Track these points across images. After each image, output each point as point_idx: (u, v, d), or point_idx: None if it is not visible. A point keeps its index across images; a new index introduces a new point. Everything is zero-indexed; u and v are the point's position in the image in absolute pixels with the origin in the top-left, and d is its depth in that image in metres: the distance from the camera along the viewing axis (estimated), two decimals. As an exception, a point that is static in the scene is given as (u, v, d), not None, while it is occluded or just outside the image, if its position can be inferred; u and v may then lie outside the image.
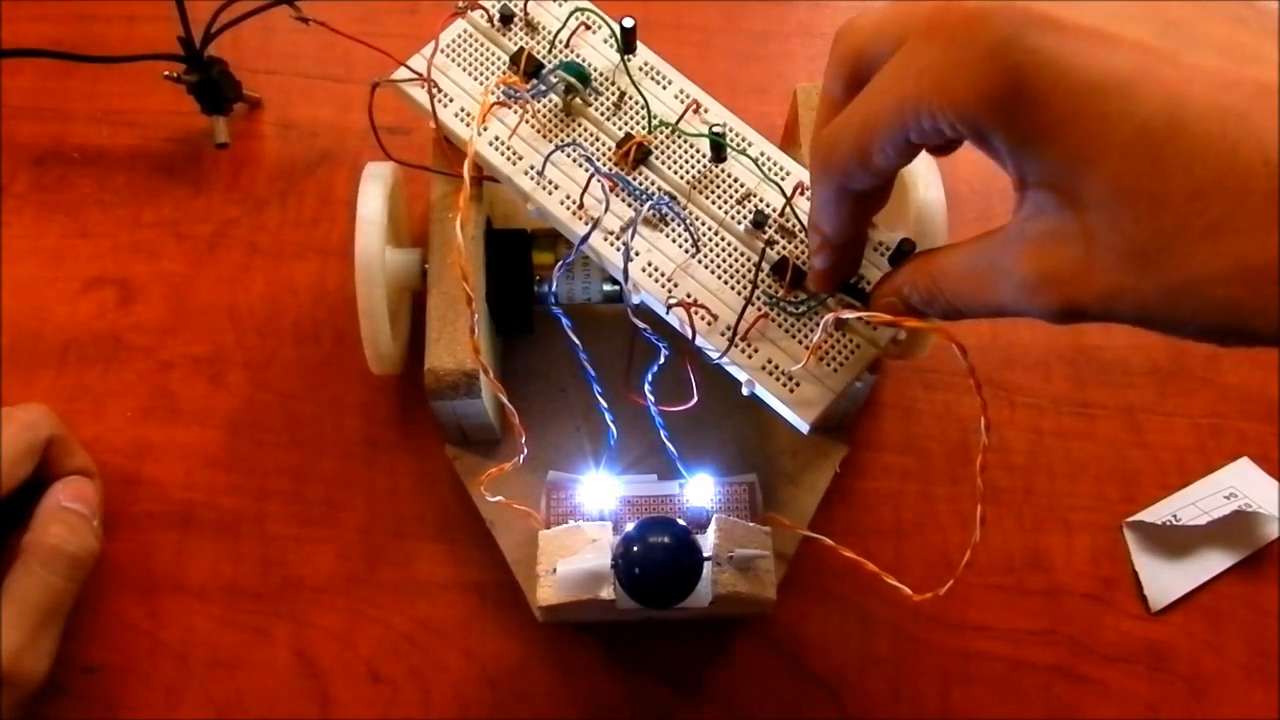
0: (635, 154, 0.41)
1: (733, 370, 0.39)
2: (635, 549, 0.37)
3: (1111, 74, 0.23)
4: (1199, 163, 0.22)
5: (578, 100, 0.42)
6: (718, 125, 0.41)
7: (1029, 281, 0.27)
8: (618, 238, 0.40)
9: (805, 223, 0.40)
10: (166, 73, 0.51)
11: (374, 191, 0.41)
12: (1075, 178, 0.25)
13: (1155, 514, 0.47)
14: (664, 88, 0.43)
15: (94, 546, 0.41)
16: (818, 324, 0.39)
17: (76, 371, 0.49)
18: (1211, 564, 0.46)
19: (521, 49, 0.43)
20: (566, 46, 0.43)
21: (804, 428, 0.39)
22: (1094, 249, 0.25)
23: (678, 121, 0.42)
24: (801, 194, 0.41)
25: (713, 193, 0.41)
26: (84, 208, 0.52)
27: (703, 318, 0.39)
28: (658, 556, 0.37)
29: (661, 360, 0.38)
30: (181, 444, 0.48)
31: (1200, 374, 0.50)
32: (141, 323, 0.50)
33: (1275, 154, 0.21)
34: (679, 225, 0.40)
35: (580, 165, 0.41)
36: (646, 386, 0.38)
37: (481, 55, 0.43)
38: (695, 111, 0.42)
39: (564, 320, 0.37)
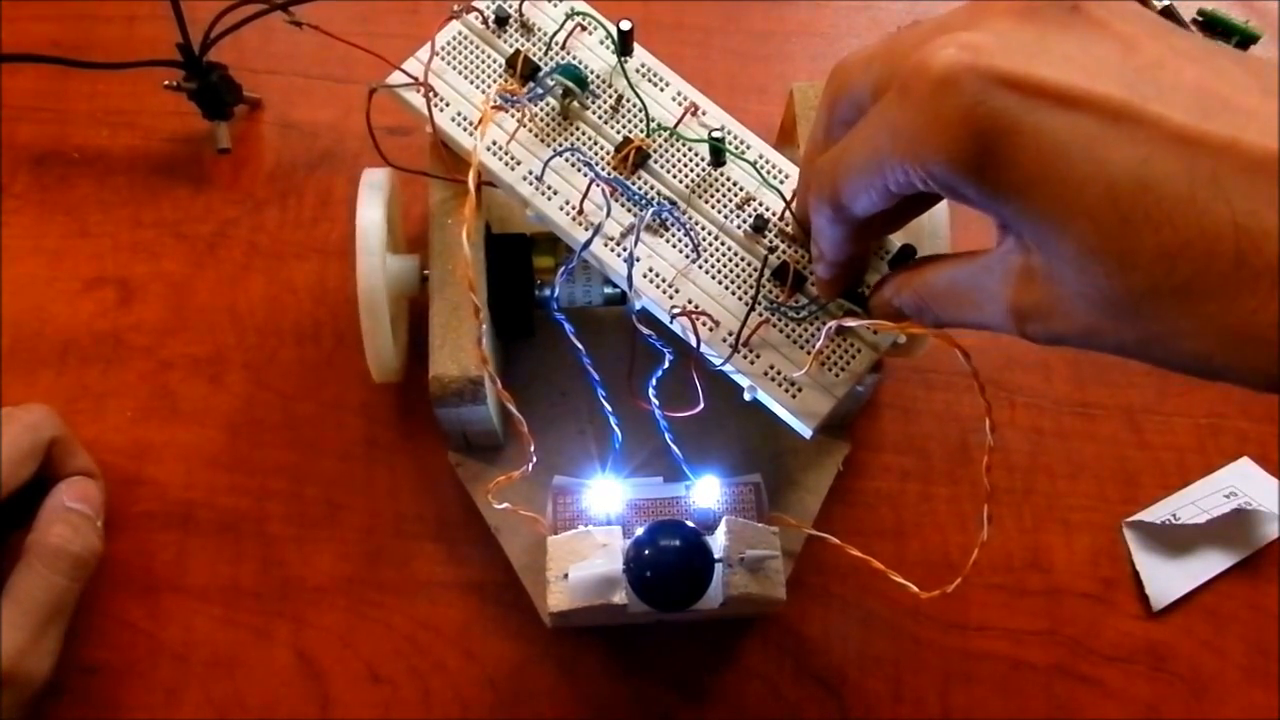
0: (634, 158, 0.41)
1: (735, 377, 0.39)
2: (647, 552, 0.37)
3: (1077, 135, 0.23)
4: (1166, 225, 0.22)
5: (575, 104, 0.42)
6: (716, 129, 0.41)
7: (1011, 310, 0.28)
8: (618, 244, 0.40)
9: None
10: (166, 82, 0.51)
11: (373, 201, 0.41)
12: (1047, 234, 0.25)
13: (1155, 513, 0.47)
14: (661, 90, 0.43)
15: (97, 546, 0.41)
16: (820, 329, 0.39)
17: (76, 371, 0.49)
18: (1212, 563, 0.47)
19: (518, 51, 0.43)
20: (563, 49, 0.43)
21: (807, 433, 0.39)
22: (1069, 293, 0.25)
23: (676, 125, 0.42)
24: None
25: (712, 197, 0.41)
26: (84, 208, 0.52)
27: (705, 324, 0.39)
28: (670, 559, 0.37)
29: (665, 366, 0.38)
30: (181, 444, 0.48)
31: (1201, 375, 0.50)
32: (141, 323, 0.50)
33: (1243, 217, 0.21)
34: (679, 231, 0.40)
35: (579, 170, 0.41)
36: (651, 391, 0.38)
37: (477, 58, 0.43)
38: (693, 114, 0.42)
39: (566, 326, 0.37)
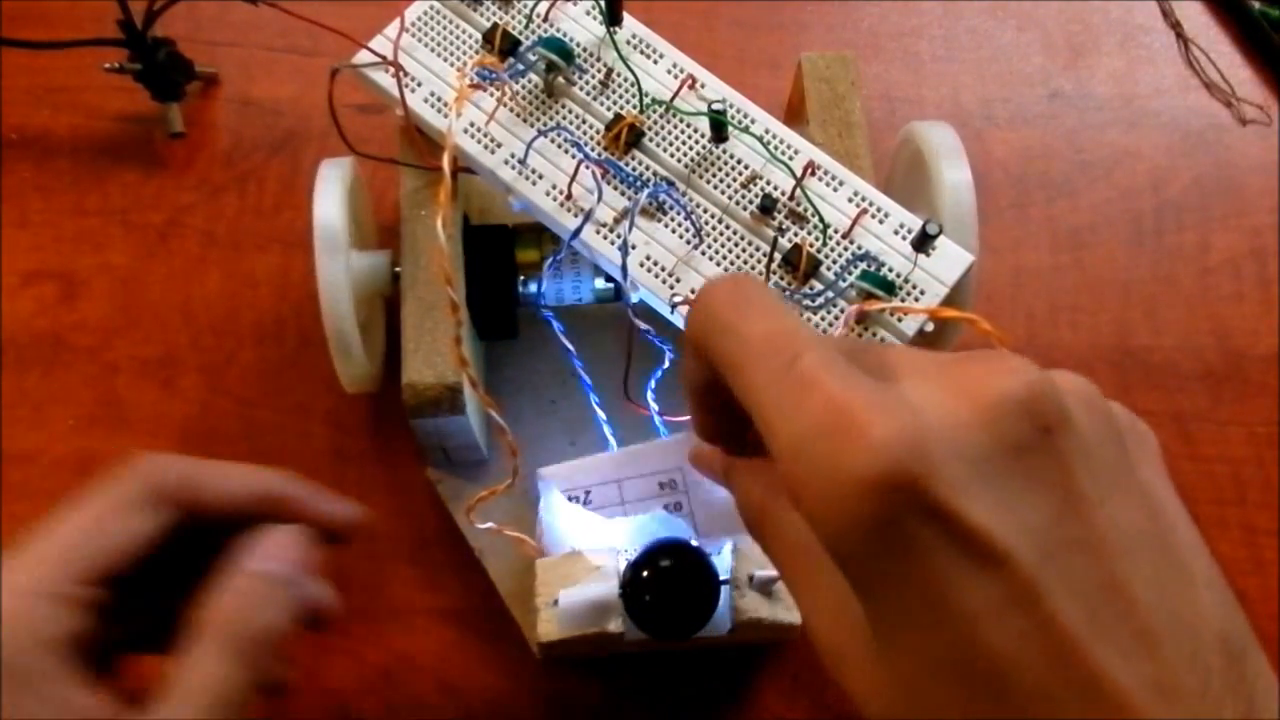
0: (627, 136, 0.41)
1: None
2: (646, 575, 0.37)
3: (974, 598, 0.22)
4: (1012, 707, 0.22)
5: (560, 79, 0.42)
6: (717, 101, 0.41)
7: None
8: (612, 230, 0.40)
9: (817, 206, 0.40)
10: (108, 64, 0.51)
11: (331, 195, 0.41)
12: (891, 641, 0.24)
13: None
14: (655, 62, 0.42)
15: (280, 622, 0.33)
16: (837, 317, 0.39)
17: (13, 375, 0.48)
18: None
19: (495, 25, 0.42)
20: (545, 20, 0.43)
21: None
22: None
23: (672, 99, 0.41)
24: (812, 174, 0.40)
25: (714, 176, 0.41)
26: (22, 194, 0.52)
27: (709, 315, 0.39)
28: (671, 582, 0.36)
29: (666, 364, 0.38)
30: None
31: (1258, 378, 0.50)
32: (86, 321, 0.49)
33: None
34: (679, 214, 0.40)
35: (567, 152, 0.41)
36: (649, 394, 0.38)
37: (451, 34, 0.43)
38: (690, 87, 0.42)
39: (555, 325, 0.37)
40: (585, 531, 0.39)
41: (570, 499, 0.39)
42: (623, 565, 0.38)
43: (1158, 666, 0.22)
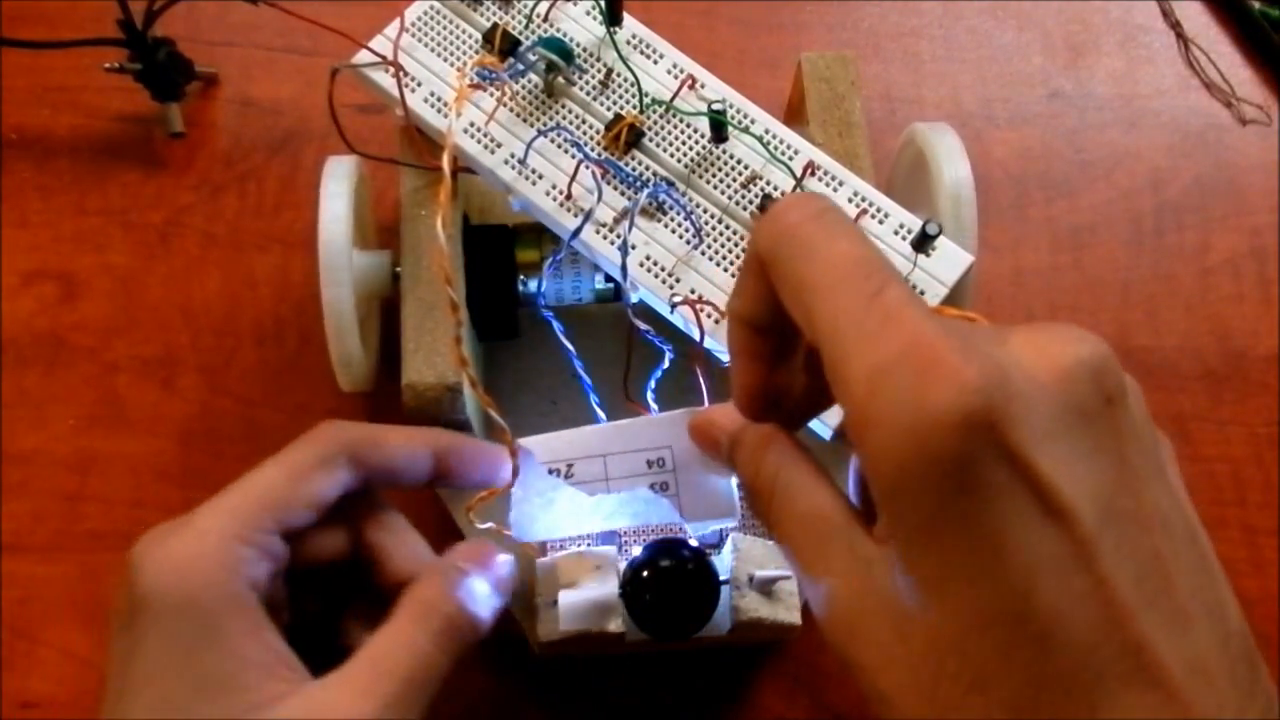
0: (627, 136, 0.41)
1: None
2: (646, 575, 0.36)
3: (1040, 545, 0.22)
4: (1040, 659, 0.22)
5: (560, 79, 0.42)
6: (717, 101, 0.41)
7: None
8: (611, 230, 0.40)
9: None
10: (108, 64, 0.51)
11: (337, 195, 0.41)
12: (935, 594, 0.24)
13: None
14: (655, 62, 0.42)
15: (475, 616, 0.35)
16: None
17: (14, 375, 0.48)
18: None
19: (495, 25, 0.42)
20: (545, 20, 0.43)
21: (826, 434, 0.38)
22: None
23: (672, 99, 0.41)
24: (812, 174, 0.40)
25: (714, 176, 0.41)
26: (22, 194, 0.52)
27: (710, 315, 0.39)
28: (671, 582, 0.36)
29: (666, 364, 0.38)
30: (130, 455, 0.47)
31: (1259, 378, 0.50)
32: (86, 321, 0.49)
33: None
34: (679, 214, 0.40)
35: (567, 152, 0.41)
36: (649, 394, 0.38)
37: (451, 33, 0.43)
38: (690, 87, 0.42)
39: (555, 324, 0.37)
40: (558, 510, 0.39)
41: (550, 472, 0.39)
42: (623, 565, 0.38)
43: (1193, 646, 0.22)
